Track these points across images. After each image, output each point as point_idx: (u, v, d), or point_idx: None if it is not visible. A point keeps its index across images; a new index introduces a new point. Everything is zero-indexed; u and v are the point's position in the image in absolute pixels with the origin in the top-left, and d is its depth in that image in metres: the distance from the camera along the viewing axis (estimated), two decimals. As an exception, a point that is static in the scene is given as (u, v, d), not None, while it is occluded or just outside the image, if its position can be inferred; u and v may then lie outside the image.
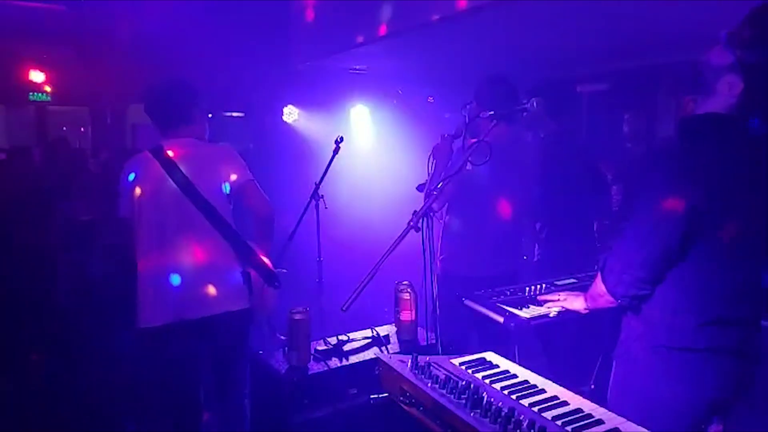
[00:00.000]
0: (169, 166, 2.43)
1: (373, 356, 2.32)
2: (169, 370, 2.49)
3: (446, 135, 2.88)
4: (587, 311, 1.92)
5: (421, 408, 1.40)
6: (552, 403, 1.36)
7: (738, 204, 1.49)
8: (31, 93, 7.46)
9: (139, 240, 2.46)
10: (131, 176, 2.48)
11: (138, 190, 2.45)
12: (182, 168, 2.43)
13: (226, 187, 2.49)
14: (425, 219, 1.88)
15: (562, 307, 2.06)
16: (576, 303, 1.97)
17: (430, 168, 2.84)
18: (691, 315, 1.55)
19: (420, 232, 1.88)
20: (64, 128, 8.80)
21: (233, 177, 2.50)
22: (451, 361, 1.59)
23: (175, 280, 2.41)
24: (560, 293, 2.12)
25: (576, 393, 1.41)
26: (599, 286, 1.69)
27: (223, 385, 2.57)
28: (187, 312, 2.41)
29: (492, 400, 1.29)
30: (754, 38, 1.44)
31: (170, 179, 2.42)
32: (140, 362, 2.65)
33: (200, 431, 2.56)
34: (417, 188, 2.95)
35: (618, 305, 1.68)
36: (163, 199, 2.43)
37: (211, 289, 2.45)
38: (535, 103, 1.96)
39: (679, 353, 1.56)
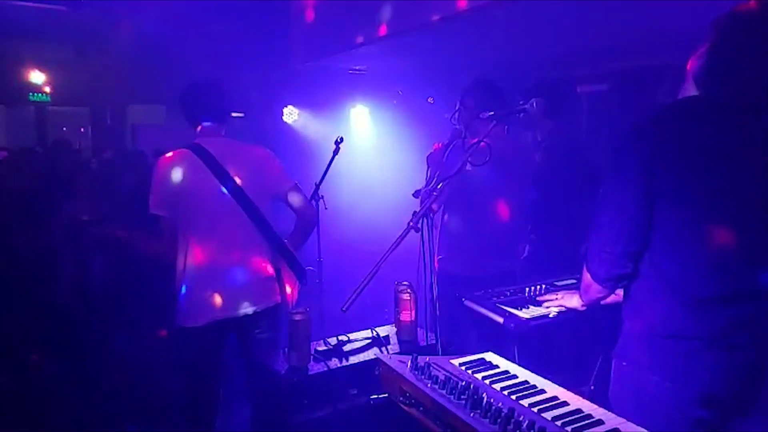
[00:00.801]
0: (215, 165, 2.47)
1: (373, 357, 2.32)
2: (199, 367, 2.55)
3: (439, 144, 2.92)
4: (584, 307, 1.91)
5: (421, 408, 1.40)
6: (552, 403, 1.36)
7: (699, 170, 1.48)
8: (31, 93, 7.47)
9: (181, 238, 2.49)
10: (171, 173, 2.47)
11: (179, 188, 2.45)
12: (226, 167, 2.48)
13: (271, 190, 2.58)
14: (425, 219, 1.88)
15: (561, 306, 2.06)
16: (573, 300, 1.98)
17: (427, 175, 2.88)
18: (668, 298, 1.52)
19: (420, 233, 1.88)
20: (64, 128, 8.80)
21: (279, 182, 2.59)
22: (451, 361, 1.59)
23: (219, 278, 2.47)
24: (558, 293, 2.13)
25: (576, 393, 1.41)
26: (586, 276, 1.68)
27: (249, 379, 2.62)
28: (228, 310, 2.47)
29: (492, 400, 1.29)
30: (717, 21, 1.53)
31: (216, 179, 2.46)
32: (173, 359, 2.71)
33: (215, 430, 2.61)
34: (413, 194, 2.97)
35: (606, 291, 1.67)
36: (208, 198, 2.46)
37: (252, 287, 2.52)
38: (534, 104, 1.96)
39: (663, 341, 1.53)
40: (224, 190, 2.46)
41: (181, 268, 2.49)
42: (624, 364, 1.64)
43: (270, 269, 2.60)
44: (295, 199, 2.63)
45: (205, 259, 2.46)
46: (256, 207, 2.50)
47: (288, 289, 2.68)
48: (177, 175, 2.46)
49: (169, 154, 2.53)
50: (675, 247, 1.52)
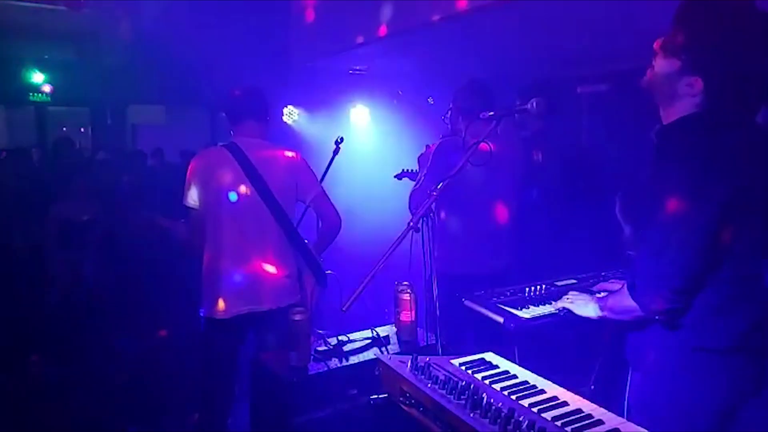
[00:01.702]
0: (248, 166, 2.56)
1: (373, 357, 2.32)
2: (220, 359, 2.64)
3: (432, 145, 2.99)
4: (599, 318, 1.82)
5: (421, 408, 1.40)
6: (552, 403, 1.36)
7: (761, 194, 1.47)
8: (31, 93, 7.46)
9: (209, 233, 2.59)
10: (204, 168, 2.60)
11: (210, 183, 2.57)
12: (259, 169, 2.56)
13: (298, 194, 2.67)
14: (425, 219, 1.88)
15: (568, 309, 2.00)
16: (587, 310, 1.87)
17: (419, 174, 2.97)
18: (735, 316, 1.49)
19: (420, 233, 1.88)
20: (64, 128, 8.81)
21: (307, 188, 2.68)
22: (451, 361, 1.59)
23: (243, 273, 2.56)
24: (569, 296, 2.06)
25: (576, 393, 1.41)
26: (628, 301, 1.59)
27: (250, 379, 2.64)
28: (251, 304, 2.56)
29: (492, 400, 1.29)
30: (689, 41, 1.50)
31: (247, 180, 2.55)
32: (195, 350, 2.79)
33: (227, 428, 2.69)
34: (396, 176, 3.06)
35: (651, 319, 1.58)
36: (238, 197, 2.55)
37: (274, 285, 2.60)
38: (535, 104, 1.96)
39: (721, 355, 1.50)
40: (252, 189, 2.55)
41: (208, 260, 2.60)
42: (663, 379, 1.57)
43: (292, 269, 2.68)
44: (320, 204, 2.72)
45: (230, 253, 2.56)
46: (281, 208, 2.59)
47: (309, 291, 2.77)
48: (210, 170, 2.59)
49: (205, 150, 2.70)
50: (749, 267, 1.49)
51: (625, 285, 1.63)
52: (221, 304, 2.55)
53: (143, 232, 3.92)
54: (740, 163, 1.45)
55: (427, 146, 3.01)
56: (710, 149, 1.46)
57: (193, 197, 2.60)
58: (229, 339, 2.63)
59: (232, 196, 2.55)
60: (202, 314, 2.62)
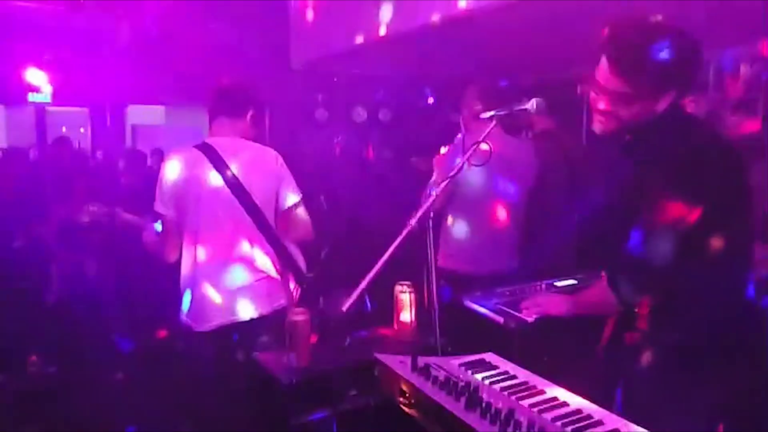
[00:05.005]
0: (221, 166, 2.43)
1: (373, 357, 2.31)
2: (205, 369, 2.53)
3: (445, 147, 3.05)
4: (570, 315, 1.86)
5: (421, 409, 1.40)
6: (552, 404, 1.35)
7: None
8: (31, 93, 7.45)
9: (186, 238, 2.47)
10: (176, 172, 2.45)
11: (183, 188, 2.43)
12: (234, 170, 2.43)
13: (279, 201, 2.54)
14: (426, 219, 1.88)
15: (542, 313, 2.01)
16: (561, 309, 1.91)
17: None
18: (703, 314, 1.52)
19: (421, 232, 1.88)
20: (64, 128, 8.81)
21: (288, 195, 2.55)
22: (451, 362, 1.59)
23: (224, 282, 2.45)
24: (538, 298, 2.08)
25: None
26: (606, 294, 1.64)
27: (249, 380, 2.61)
28: (234, 315, 2.46)
29: (492, 401, 1.29)
30: None
31: (222, 181, 2.42)
32: (179, 360, 2.78)
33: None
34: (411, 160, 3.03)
35: (626, 313, 1.63)
36: (213, 201, 2.43)
37: (257, 291, 2.49)
38: (535, 104, 1.96)
39: (694, 356, 1.52)
40: (231, 193, 2.43)
41: (186, 269, 2.48)
42: (644, 385, 1.62)
43: (275, 273, 2.57)
44: (299, 214, 2.59)
45: (209, 261, 2.44)
46: (260, 210, 2.47)
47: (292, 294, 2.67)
48: (182, 174, 2.44)
49: (176, 152, 2.51)
50: (715, 269, 1.53)
51: (604, 280, 1.67)
52: (203, 315, 2.45)
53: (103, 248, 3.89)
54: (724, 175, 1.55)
55: (442, 150, 3.03)
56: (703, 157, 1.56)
57: (165, 203, 2.46)
58: (213, 351, 2.50)
59: (206, 200, 2.43)
60: (189, 326, 2.51)
